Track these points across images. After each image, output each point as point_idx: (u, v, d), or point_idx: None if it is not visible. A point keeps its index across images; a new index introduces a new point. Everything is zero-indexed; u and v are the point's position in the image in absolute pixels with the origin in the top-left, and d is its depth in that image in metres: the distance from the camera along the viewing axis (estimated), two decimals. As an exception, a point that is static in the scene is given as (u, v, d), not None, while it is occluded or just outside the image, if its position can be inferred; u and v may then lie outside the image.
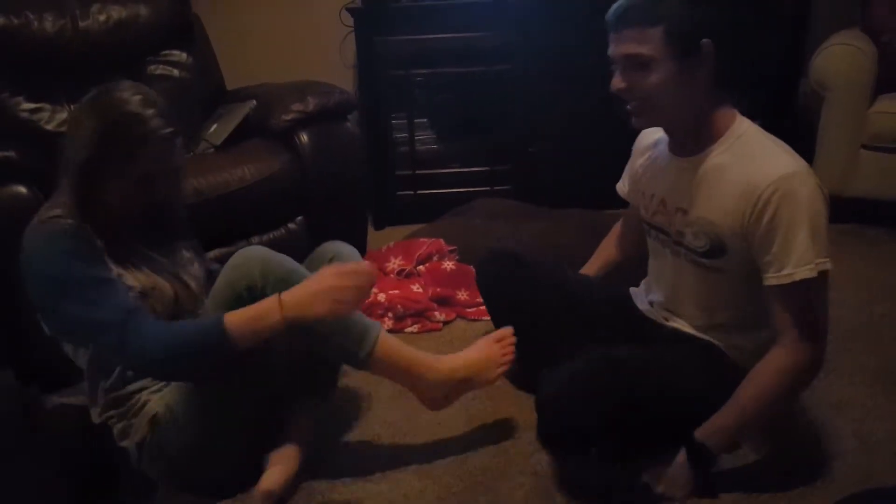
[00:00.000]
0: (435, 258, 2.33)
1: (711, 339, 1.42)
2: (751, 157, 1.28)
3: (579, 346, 1.42)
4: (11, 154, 1.70)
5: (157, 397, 1.34)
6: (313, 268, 1.33)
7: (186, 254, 1.45)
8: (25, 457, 1.40)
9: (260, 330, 1.21)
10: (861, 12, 2.66)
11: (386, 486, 1.42)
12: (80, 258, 1.23)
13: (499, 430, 1.59)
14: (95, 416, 1.38)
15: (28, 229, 1.27)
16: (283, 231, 2.14)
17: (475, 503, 1.39)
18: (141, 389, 1.35)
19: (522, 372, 1.66)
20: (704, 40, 1.24)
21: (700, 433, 1.31)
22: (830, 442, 1.51)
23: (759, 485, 1.39)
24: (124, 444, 1.37)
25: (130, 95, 1.23)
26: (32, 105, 2.13)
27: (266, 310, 1.21)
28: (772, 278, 1.25)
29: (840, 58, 2.45)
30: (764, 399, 1.29)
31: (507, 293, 1.67)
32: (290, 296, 1.22)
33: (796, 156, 1.29)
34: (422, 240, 2.41)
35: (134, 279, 1.30)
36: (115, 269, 1.28)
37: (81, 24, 2.22)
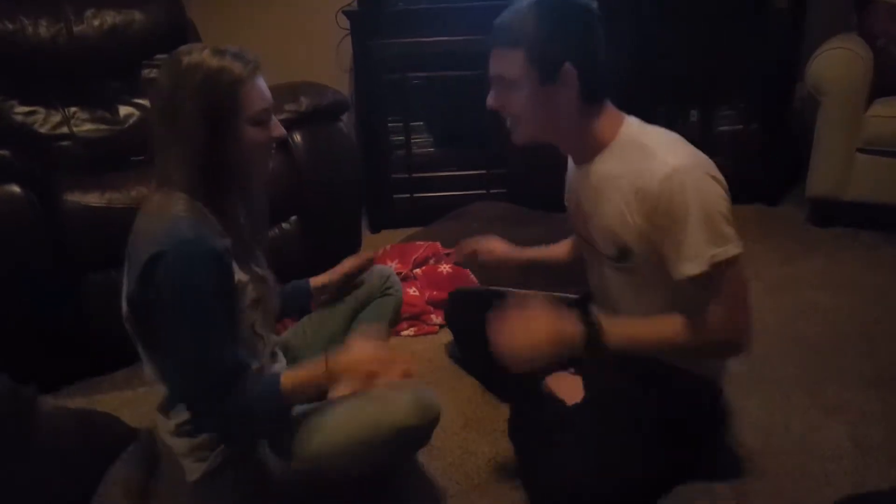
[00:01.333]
0: (431, 261, 2.33)
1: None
2: (637, 161, 1.27)
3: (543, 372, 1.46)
4: (6, 154, 1.69)
5: None
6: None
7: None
8: (22, 458, 1.40)
9: (307, 390, 1.27)
10: (857, 17, 2.67)
11: (383, 489, 1.42)
12: (219, 291, 1.19)
13: (496, 434, 1.58)
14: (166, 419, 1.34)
15: (154, 225, 1.20)
16: (276, 231, 2.14)
17: (470, 507, 1.39)
18: None
19: (493, 389, 1.73)
20: (565, 65, 1.24)
21: (603, 321, 1.30)
22: (825, 445, 1.51)
23: (755, 488, 1.39)
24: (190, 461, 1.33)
25: (199, 55, 1.20)
26: (27, 109, 2.13)
27: (315, 374, 1.25)
28: (674, 274, 1.26)
29: (836, 62, 2.45)
30: (654, 345, 1.31)
31: (473, 332, 1.66)
32: (335, 363, 1.25)
33: (685, 148, 1.27)
34: (418, 243, 2.41)
35: (253, 289, 1.28)
36: (238, 275, 1.24)
37: (76, 28, 2.22)
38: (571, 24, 1.26)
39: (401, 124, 2.79)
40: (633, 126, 1.33)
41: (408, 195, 2.84)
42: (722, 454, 1.47)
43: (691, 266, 1.22)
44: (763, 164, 2.74)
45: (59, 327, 1.75)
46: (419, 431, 1.30)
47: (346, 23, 2.76)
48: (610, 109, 1.33)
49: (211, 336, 1.18)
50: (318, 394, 1.34)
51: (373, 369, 1.24)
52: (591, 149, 1.34)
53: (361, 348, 1.28)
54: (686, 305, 1.33)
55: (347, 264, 1.65)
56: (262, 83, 1.24)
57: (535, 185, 2.77)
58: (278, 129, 1.29)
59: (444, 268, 2.27)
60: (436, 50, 2.68)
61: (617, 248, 1.33)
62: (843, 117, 2.46)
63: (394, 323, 1.73)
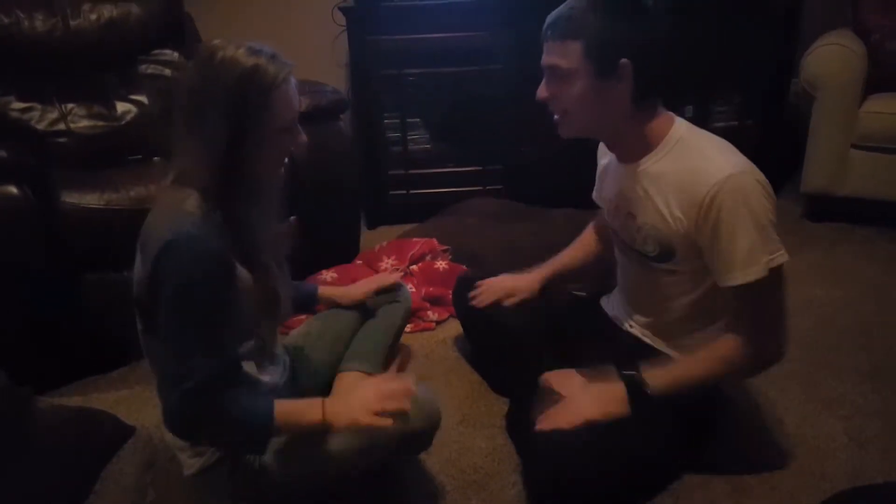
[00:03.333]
0: (428, 258, 2.33)
1: (667, 351, 1.43)
2: (689, 161, 1.28)
3: (547, 361, 1.50)
4: (2, 153, 1.68)
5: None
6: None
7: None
8: (19, 456, 1.40)
9: (300, 425, 1.23)
10: (851, 13, 2.68)
11: (380, 485, 1.42)
12: (217, 292, 1.16)
13: (491, 431, 1.59)
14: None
15: (166, 219, 1.17)
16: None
17: (468, 501, 1.39)
18: None
19: (494, 383, 1.74)
20: (623, 60, 1.24)
21: (645, 375, 1.31)
22: (821, 439, 1.52)
23: (751, 482, 1.40)
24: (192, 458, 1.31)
25: (234, 52, 1.15)
26: (23, 105, 2.12)
27: (309, 410, 1.21)
28: (722, 280, 1.27)
29: (830, 58, 2.46)
30: (703, 379, 1.31)
31: (479, 316, 1.71)
32: (332, 405, 1.22)
33: (735, 154, 1.29)
34: (414, 239, 2.41)
35: (257, 290, 1.24)
36: (242, 276, 1.21)
37: (72, 22, 2.21)
38: (633, 19, 1.25)
39: (397, 120, 2.79)
40: (682, 127, 1.33)
41: (404, 191, 2.84)
42: (718, 448, 1.48)
43: (746, 273, 1.23)
44: (758, 160, 2.74)
45: (56, 326, 1.74)
46: (420, 436, 1.30)
47: (341, 19, 2.76)
48: (661, 110, 1.33)
49: (206, 331, 1.16)
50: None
51: (372, 412, 1.19)
52: (639, 147, 1.34)
53: (364, 392, 1.22)
54: (712, 309, 1.35)
55: (370, 286, 1.65)
56: (293, 89, 1.20)
57: (531, 181, 2.78)
58: (301, 138, 1.25)
59: (441, 264, 2.27)
60: (432, 46, 2.67)
61: (660, 248, 1.34)
62: (838, 113, 2.47)
63: (401, 328, 1.73)
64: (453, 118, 2.87)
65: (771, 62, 2.69)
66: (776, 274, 1.25)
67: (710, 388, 1.39)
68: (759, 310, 1.28)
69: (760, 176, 1.26)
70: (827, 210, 2.63)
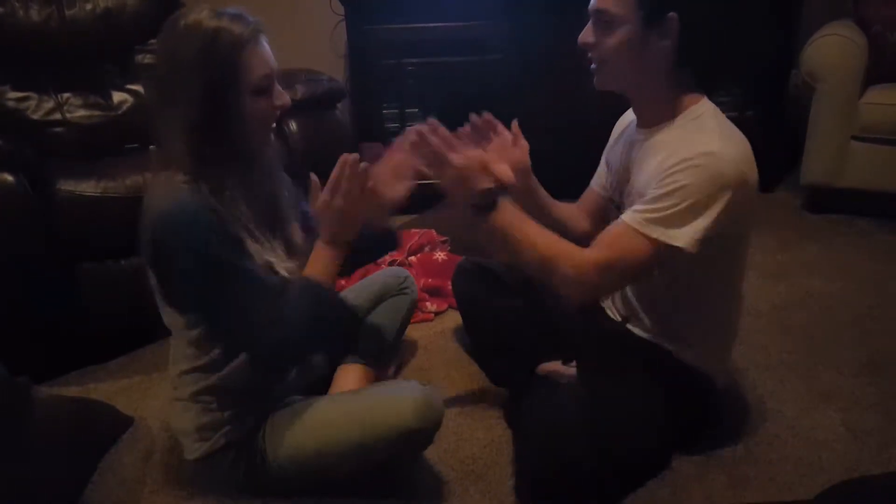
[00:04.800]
0: (426, 249, 2.33)
1: (659, 342, 1.42)
2: (690, 133, 1.27)
3: (544, 351, 1.54)
4: (-1, 141, 1.68)
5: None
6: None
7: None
8: (17, 447, 1.39)
9: (333, 272, 1.25)
10: (852, 3, 2.66)
11: (379, 476, 1.42)
12: (225, 242, 1.17)
13: (490, 422, 1.59)
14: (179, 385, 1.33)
15: (158, 196, 1.18)
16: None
17: (466, 492, 1.39)
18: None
19: (492, 374, 1.73)
20: (671, 13, 1.23)
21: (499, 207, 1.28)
22: (818, 431, 1.52)
23: (748, 473, 1.40)
24: (195, 442, 1.32)
25: (196, 16, 1.15)
26: (19, 94, 2.11)
27: (322, 257, 1.24)
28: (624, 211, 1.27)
29: (831, 49, 2.45)
30: (535, 248, 1.27)
31: (478, 304, 1.71)
32: (327, 235, 1.24)
33: (739, 143, 1.27)
34: (413, 230, 2.41)
35: (263, 257, 1.25)
36: (250, 245, 1.22)
37: (68, 12, 2.19)
38: None
39: (396, 110, 2.78)
40: (707, 106, 1.32)
41: (403, 182, 2.83)
42: (715, 440, 1.48)
43: (640, 222, 1.22)
44: (758, 151, 2.73)
45: (53, 317, 1.74)
46: (422, 434, 1.29)
47: (340, 8, 2.74)
48: (695, 90, 1.32)
49: (241, 271, 1.16)
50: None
51: (354, 215, 1.22)
52: (662, 114, 1.32)
53: (329, 209, 1.22)
54: (692, 294, 1.35)
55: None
56: (264, 47, 1.19)
57: (532, 170, 2.77)
58: (282, 98, 1.23)
59: (439, 255, 2.27)
60: (431, 35, 2.66)
61: None
62: (838, 104, 2.46)
63: (406, 321, 1.72)
64: (452, 108, 2.85)
65: (771, 53, 2.68)
66: (654, 247, 1.22)
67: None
68: (616, 249, 1.24)
69: (749, 169, 1.25)
70: (827, 202, 2.63)
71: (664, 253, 1.22)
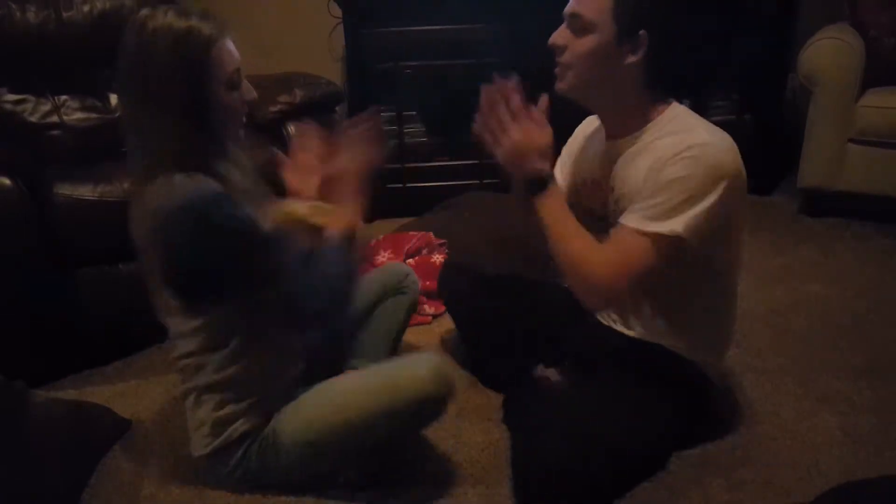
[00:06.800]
0: (424, 252, 2.32)
1: (653, 341, 1.42)
2: (675, 133, 1.28)
3: (536, 352, 1.55)
4: (-4, 145, 1.68)
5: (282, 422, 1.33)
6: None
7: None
8: (14, 451, 1.39)
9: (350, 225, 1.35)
10: (848, 7, 2.67)
11: (377, 479, 1.42)
12: (235, 208, 1.20)
13: (488, 425, 1.59)
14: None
15: (163, 196, 1.18)
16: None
17: (465, 495, 1.39)
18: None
19: (486, 379, 1.73)
20: (642, 31, 1.24)
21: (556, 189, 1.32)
22: (816, 435, 1.52)
23: (745, 477, 1.40)
24: (202, 434, 1.33)
25: (164, 18, 1.17)
26: (16, 97, 2.10)
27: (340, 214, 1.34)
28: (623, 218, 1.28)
29: (828, 52, 2.45)
30: (569, 246, 1.30)
31: (467, 304, 1.72)
32: (332, 225, 1.31)
33: (725, 135, 1.29)
34: (411, 233, 2.41)
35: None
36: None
37: (65, 14, 2.19)
38: None
39: (393, 113, 2.78)
40: (679, 108, 1.34)
41: (400, 185, 2.83)
42: (713, 443, 1.48)
43: (638, 221, 1.24)
44: (755, 155, 2.73)
45: (50, 320, 1.74)
46: (437, 402, 1.33)
47: (337, 11, 2.75)
48: (663, 98, 1.33)
49: (273, 238, 1.22)
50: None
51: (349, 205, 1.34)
52: (631, 124, 1.33)
53: (310, 206, 1.32)
54: (681, 294, 1.35)
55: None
56: (231, 44, 1.23)
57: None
58: (251, 93, 1.28)
59: (437, 258, 2.26)
60: (428, 39, 2.66)
61: None
62: (835, 108, 2.47)
63: (406, 321, 1.73)
64: (450, 111, 2.86)
65: (768, 57, 2.69)
66: (660, 241, 1.24)
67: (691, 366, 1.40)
68: (622, 254, 1.26)
69: (734, 164, 1.26)
70: (824, 205, 2.63)
71: (666, 247, 1.23)
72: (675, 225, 1.22)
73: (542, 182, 1.30)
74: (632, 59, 1.26)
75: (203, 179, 1.20)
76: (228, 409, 1.31)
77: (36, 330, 1.73)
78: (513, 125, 1.28)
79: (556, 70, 1.34)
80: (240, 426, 1.31)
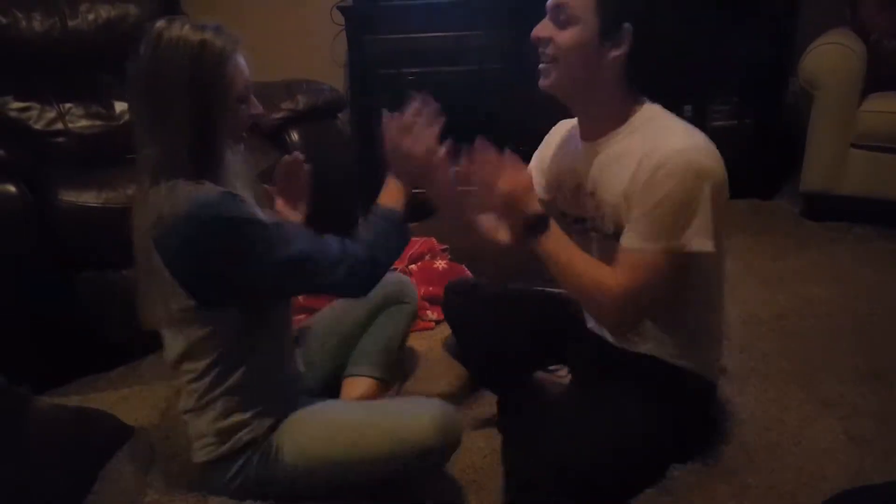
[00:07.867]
0: (427, 257, 2.33)
1: (624, 345, 1.42)
2: (655, 137, 1.27)
3: (535, 365, 1.57)
4: (1, 151, 1.68)
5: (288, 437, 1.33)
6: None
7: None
8: (18, 456, 1.39)
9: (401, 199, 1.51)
10: (850, 11, 2.68)
11: (378, 486, 1.42)
12: (249, 209, 1.23)
13: (490, 431, 1.59)
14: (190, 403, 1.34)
15: (173, 204, 1.19)
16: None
17: (466, 501, 1.39)
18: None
19: (485, 383, 1.73)
20: (626, 24, 1.24)
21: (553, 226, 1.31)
22: (820, 439, 1.51)
23: (751, 482, 1.39)
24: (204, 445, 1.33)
25: (180, 31, 1.19)
26: (21, 104, 2.12)
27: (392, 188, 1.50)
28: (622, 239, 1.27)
29: (829, 57, 2.46)
30: (575, 274, 1.29)
31: (470, 324, 1.70)
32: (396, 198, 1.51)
33: (701, 138, 1.27)
34: (413, 238, 2.41)
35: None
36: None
37: (70, 23, 2.21)
38: None
39: (396, 119, 2.78)
40: (655, 108, 1.33)
41: (403, 191, 2.83)
42: (717, 449, 1.48)
43: (641, 242, 1.23)
44: (757, 159, 2.75)
45: (54, 325, 1.74)
46: (437, 454, 1.30)
47: (340, 18, 2.76)
48: (638, 96, 1.33)
49: (292, 232, 1.27)
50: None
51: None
52: (608, 123, 1.33)
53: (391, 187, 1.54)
54: (677, 307, 1.35)
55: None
56: (243, 59, 1.25)
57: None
58: (257, 108, 1.30)
59: (440, 263, 2.27)
60: (430, 45, 2.67)
61: (614, 225, 1.32)
62: (837, 112, 2.47)
63: (406, 332, 1.73)
64: (452, 117, 2.87)
65: (769, 61, 2.69)
66: (668, 258, 1.23)
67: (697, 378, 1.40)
68: (634, 275, 1.25)
69: (717, 163, 1.25)
70: (825, 209, 2.63)
71: (679, 259, 1.23)
72: (687, 240, 1.22)
73: (542, 222, 1.29)
74: (615, 53, 1.25)
75: (209, 185, 1.21)
76: (234, 419, 1.31)
77: (40, 335, 1.73)
78: (497, 181, 1.29)
79: (540, 67, 1.33)
80: (244, 435, 1.31)
